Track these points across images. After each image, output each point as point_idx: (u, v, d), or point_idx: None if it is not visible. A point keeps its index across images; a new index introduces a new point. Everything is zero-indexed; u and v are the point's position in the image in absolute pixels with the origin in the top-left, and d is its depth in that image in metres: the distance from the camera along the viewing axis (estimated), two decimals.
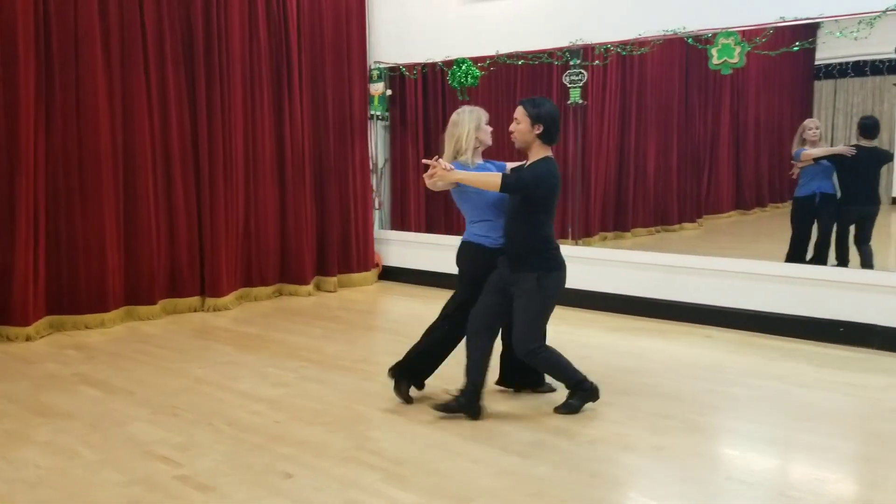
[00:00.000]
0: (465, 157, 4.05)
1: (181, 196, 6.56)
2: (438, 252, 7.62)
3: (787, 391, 4.47)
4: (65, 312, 6.01)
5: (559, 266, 3.93)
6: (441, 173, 3.90)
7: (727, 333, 5.76)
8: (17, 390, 4.54)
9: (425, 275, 7.70)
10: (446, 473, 3.37)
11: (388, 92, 7.85)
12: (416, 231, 7.96)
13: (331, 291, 7.52)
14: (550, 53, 6.74)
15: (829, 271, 5.60)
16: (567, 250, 6.76)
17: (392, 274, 8.01)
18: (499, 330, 4.04)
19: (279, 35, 7.10)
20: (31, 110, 5.65)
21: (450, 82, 7.28)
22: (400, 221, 8.11)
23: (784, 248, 6.05)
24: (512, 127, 3.93)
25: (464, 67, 7.14)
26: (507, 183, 3.81)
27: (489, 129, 4.14)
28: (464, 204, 4.14)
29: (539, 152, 3.90)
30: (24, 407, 4.24)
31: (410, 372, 4.28)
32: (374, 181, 8.06)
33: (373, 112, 7.87)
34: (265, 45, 7.00)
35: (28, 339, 5.66)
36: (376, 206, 8.09)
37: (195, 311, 6.67)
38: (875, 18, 5.20)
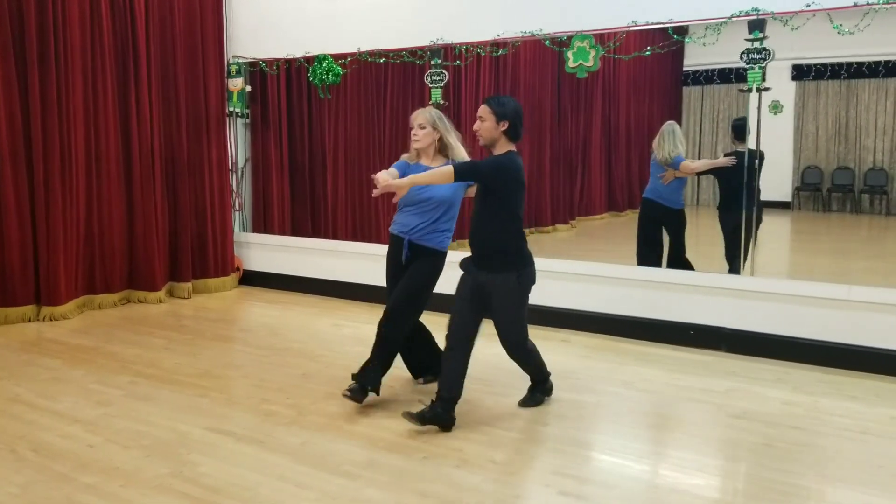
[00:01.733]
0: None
1: (11, 194, 6.00)
2: (303, 256, 7.34)
3: (632, 397, 4.46)
4: None
5: (532, 261, 3.98)
6: (384, 187, 3.82)
7: (585, 338, 5.75)
8: None
9: (289, 279, 7.40)
10: (265, 501, 3.13)
11: (248, 88, 7.49)
12: (279, 234, 7.63)
13: (184, 298, 7.08)
14: (412, 52, 6.58)
15: (681, 275, 5.68)
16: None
17: (253, 279, 7.65)
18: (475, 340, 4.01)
19: (124, 25, 6.61)
20: None
21: (311, 79, 7.01)
22: (262, 224, 7.76)
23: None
24: (476, 125, 3.89)
25: (325, 64, 6.89)
26: (461, 170, 3.79)
27: (412, 133, 4.25)
28: None
29: (503, 148, 3.88)
30: None
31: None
32: (233, 181, 7.67)
33: (231, 108, 7.48)
34: (108, 36, 6.50)
35: None
36: (236, 207, 7.70)
37: (29, 320, 6.13)
38: (721, 25, 5.30)
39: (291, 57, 7.22)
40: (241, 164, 7.76)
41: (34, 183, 6.13)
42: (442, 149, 4.24)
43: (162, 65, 6.94)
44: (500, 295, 3.89)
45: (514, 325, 4.01)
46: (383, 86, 7.24)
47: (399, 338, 4.26)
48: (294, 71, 7.39)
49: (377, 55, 6.73)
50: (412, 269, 4.24)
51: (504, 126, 3.83)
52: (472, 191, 4.17)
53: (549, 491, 3.24)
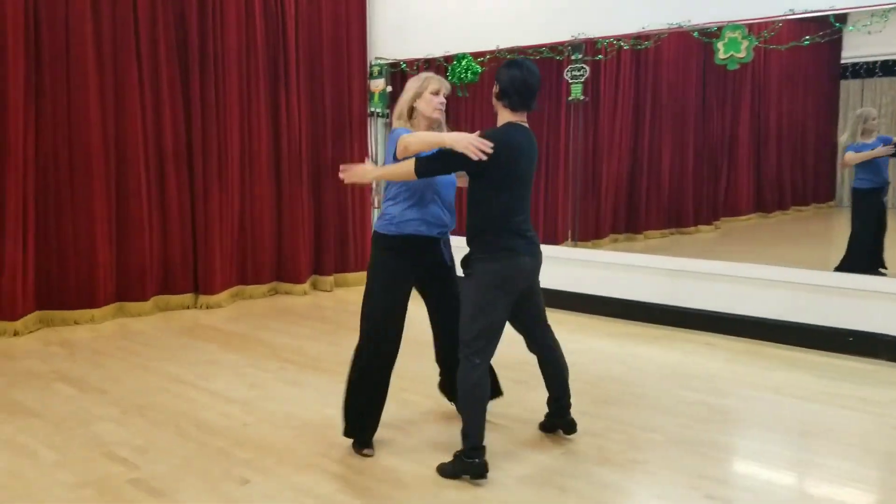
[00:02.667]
0: (401, 123, 3.50)
1: (174, 193, 6.47)
2: None
3: (780, 403, 4.24)
4: (54, 308, 5.95)
5: (505, 257, 3.26)
6: (348, 177, 3.45)
7: (729, 341, 5.53)
8: None
9: None
10: (407, 485, 3.21)
11: (388, 88, 7.70)
12: None
13: (327, 291, 7.39)
14: (551, 48, 6.55)
15: (840, 277, 5.33)
16: (566, 253, 6.71)
17: None
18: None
19: (276, 30, 6.99)
20: (21, 106, 5.59)
21: (450, 78, 7.11)
22: None
23: (802, 252, 5.79)
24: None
25: (464, 63, 6.97)
26: (420, 166, 3.19)
27: (435, 99, 3.47)
28: None
29: (503, 118, 3.36)
30: None
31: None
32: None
33: (372, 109, 7.73)
34: (262, 41, 6.89)
35: (16, 333, 5.60)
36: (375, 205, 7.95)
37: (188, 308, 6.59)
38: (889, 11, 4.94)
39: (431, 57, 7.36)
40: (380, 163, 7.99)
41: (194, 181, 6.58)
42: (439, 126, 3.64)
43: (309, 67, 7.27)
44: (467, 283, 3.33)
45: (466, 326, 3.28)
46: None
47: None
48: (433, 70, 7.52)
49: (516, 52, 6.75)
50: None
51: (496, 90, 3.32)
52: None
53: (695, 494, 3.13)
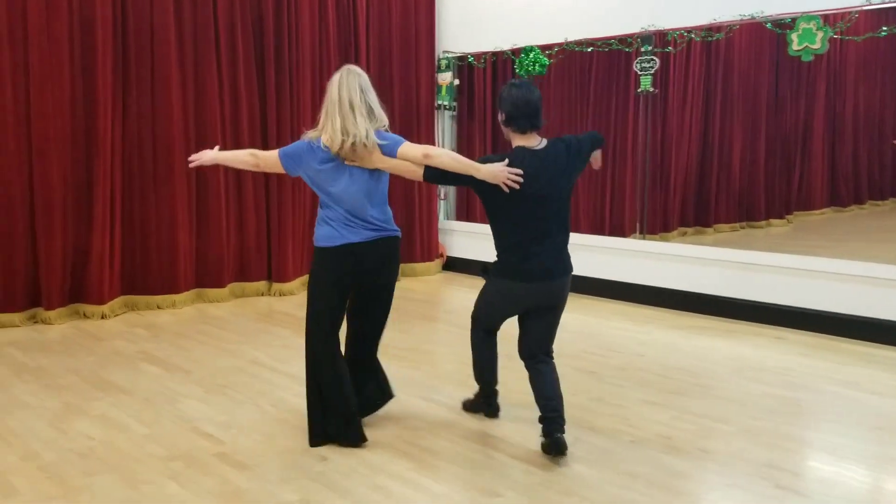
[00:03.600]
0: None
1: (250, 184, 6.71)
2: None
3: (855, 398, 4.19)
4: (138, 293, 6.25)
5: (509, 274, 3.45)
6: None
7: (801, 336, 5.45)
8: (83, 365, 4.74)
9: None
10: (475, 466, 3.32)
11: (456, 81, 7.80)
12: (481, 222, 7.89)
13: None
14: (621, 40, 6.54)
15: None
16: (634, 245, 6.69)
17: (456, 265, 7.97)
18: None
19: (348, 25, 7.16)
20: (109, 100, 5.89)
21: (517, 71, 7.17)
22: (465, 212, 8.06)
23: (878, 247, 5.67)
24: None
25: (531, 55, 7.01)
26: (430, 177, 3.42)
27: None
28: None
29: (515, 142, 3.41)
30: (86, 381, 4.43)
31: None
32: None
33: (440, 102, 7.84)
34: (334, 36, 7.08)
35: (103, 316, 5.91)
36: (441, 196, 8.06)
37: (262, 295, 6.83)
38: None
39: (498, 50, 7.43)
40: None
41: (269, 174, 6.80)
42: None
43: (378, 61, 7.43)
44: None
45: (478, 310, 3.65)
46: (587, 75, 7.25)
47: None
48: (500, 63, 7.59)
49: (584, 44, 6.76)
50: (387, 277, 3.67)
51: (501, 117, 3.40)
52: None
53: (765, 483, 3.14)
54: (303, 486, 3.13)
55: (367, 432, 3.55)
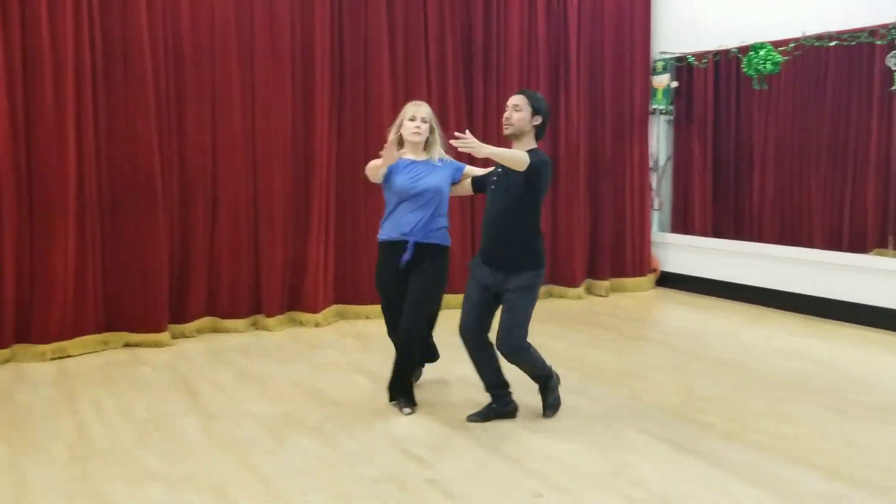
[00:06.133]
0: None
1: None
2: (726, 259, 6.92)
3: None
4: (349, 302, 6.38)
5: (545, 262, 3.92)
6: (477, 145, 3.63)
7: None
8: (299, 374, 4.85)
9: (710, 283, 7.04)
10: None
11: (674, 84, 7.29)
12: (700, 235, 7.30)
13: (601, 296, 7.18)
14: (871, 32, 5.73)
15: None
16: (882, 263, 5.82)
17: (671, 280, 7.44)
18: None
19: (558, 29, 6.94)
20: (325, 117, 6.08)
21: (744, 70, 6.53)
22: (682, 224, 7.50)
23: None
24: (509, 114, 3.82)
25: (762, 53, 6.35)
26: (531, 163, 3.70)
27: (412, 125, 4.07)
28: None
29: (529, 143, 3.83)
30: (303, 392, 4.51)
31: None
32: (653, 180, 7.54)
33: (655, 106, 7.37)
34: (543, 41, 6.87)
35: (317, 325, 6.09)
36: (655, 206, 7.57)
37: None
38: None
39: (723, 48, 6.83)
40: (661, 163, 7.61)
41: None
42: (427, 146, 4.12)
43: (590, 65, 7.13)
44: (516, 292, 3.80)
45: (521, 327, 3.83)
46: (822, 73, 6.46)
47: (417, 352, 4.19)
48: (724, 63, 6.99)
49: (826, 38, 6.02)
50: (422, 273, 4.03)
51: (537, 121, 3.81)
52: (463, 186, 4.16)
53: None
54: None
55: (578, 465, 3.25)
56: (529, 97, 3.81)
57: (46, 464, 3.42)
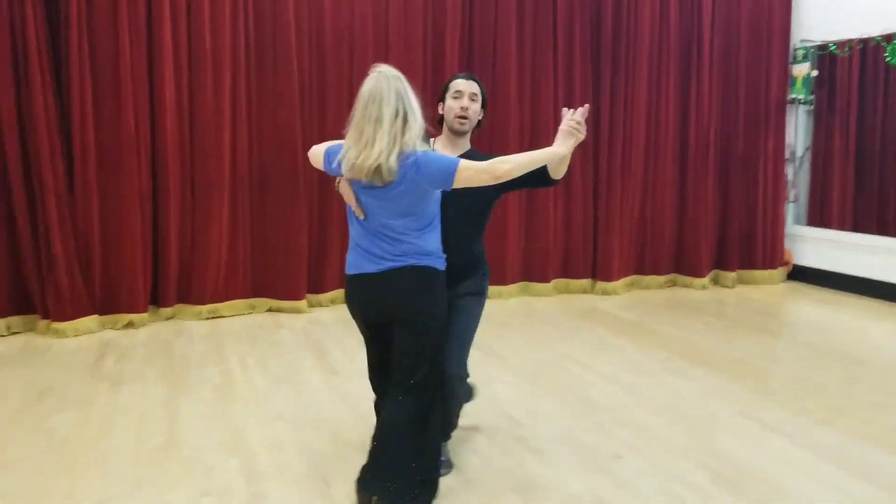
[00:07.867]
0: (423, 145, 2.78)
1: (578, 179, 6.79)
2: (866, 254, 6.62)
3: None
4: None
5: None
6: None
7: None
8: None
9: (846, 279, 6.76)
10: (781, 487, 2.98)
11: (814, 73, 7.03)
12: (838, 229, 7.01)
13: (728, 287, 7.08)
14: None
15: None
16: None
17: (804, 275, 7.20)
18: None
19: (691, 17, 6.89)
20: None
21: (888, 59, 6.23)
22: (819, 217, 7.23)
23: None
24: (466, 104, 2.95)
25: None
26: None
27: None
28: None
29: (467, 142, 3.06)
30: None
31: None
32: (789, 171, 7.32)
33: (794, 96, 7.14)
34: (675, 29, 6.85)
35: None
36: (791, 198, 7.34)
37: (585, 292, 6.88)
38: None
39: (866, 36, 6.54)
40: (799, 154, 7.36)
41: (598, 170, 6.83)
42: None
43: (724, 55, 7.03)
44: (471, 304, 3.05)
45: (466, 347, 3.09)
46: None
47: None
48: (869, 51, 6.67)
49: None
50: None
51: (481, 115, 3.03)
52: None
53: None
54: (593, 480, 3.10)
55: (662, 436, 3.38)
56: (481, 85, 3.02)
57: (195, 402, 3.98)
